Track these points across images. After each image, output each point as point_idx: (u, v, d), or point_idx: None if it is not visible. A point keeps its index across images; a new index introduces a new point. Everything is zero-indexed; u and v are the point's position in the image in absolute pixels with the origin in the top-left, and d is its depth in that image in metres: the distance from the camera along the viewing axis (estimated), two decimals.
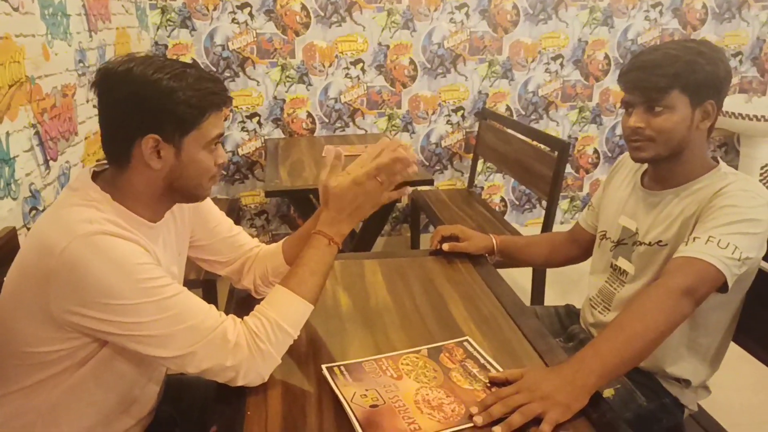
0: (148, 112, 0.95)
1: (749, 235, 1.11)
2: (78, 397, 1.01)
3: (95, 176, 1.02)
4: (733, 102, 3.37)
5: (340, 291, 1.35)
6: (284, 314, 0.99)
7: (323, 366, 1.01)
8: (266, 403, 0.96)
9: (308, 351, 1.10)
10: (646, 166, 1.35)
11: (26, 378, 0.98)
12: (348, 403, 0.92)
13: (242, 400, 0.96)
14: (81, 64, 1.93)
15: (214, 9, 2.99)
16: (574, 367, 0.97)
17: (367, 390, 0.95)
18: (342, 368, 1.01)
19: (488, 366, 1.03)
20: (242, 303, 1.27)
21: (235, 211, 2.99)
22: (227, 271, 1.28)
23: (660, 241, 1.26)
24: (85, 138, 1.94)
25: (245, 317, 0.99)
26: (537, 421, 0.89)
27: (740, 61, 3.50)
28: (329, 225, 1.07)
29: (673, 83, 1.17)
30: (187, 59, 3.02)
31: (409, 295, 1.32)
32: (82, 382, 1.00)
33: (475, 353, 1.07)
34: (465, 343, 1.10)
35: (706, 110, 1.21)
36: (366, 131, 3.30)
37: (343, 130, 3.29)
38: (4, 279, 0.99)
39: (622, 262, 1.35)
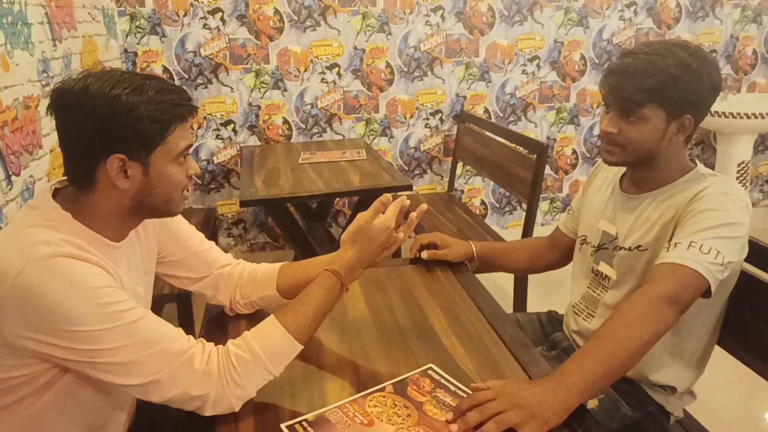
0: (110, 132, 0.90)
1: (730, 239, 1.09)
2: (40, 427, 0.96)
3: (56, 193, 0.97)
4: None
5: None
6: (272, 353, 0.94)
7: (282, 426, 0.91)
8: None
9: (283, 373, 1.05)
10: (624, 169, 1.34)
11: None
12: None
13: (212, 429, 0.91)
14: (45, 74, 1.86)
15: (185, 15, 2.93)
16: (557, 380, 0.94)
17: None
18: (305, 424, 0.91)
19: (459, 392, 0.98)
20: (215, 321, 1.23)
21: (211, 221, 2.93)
22: (198, 287, 1.23)
23: (639, 245, 1.24)
24: (51, 151, 1.88)
25: (230, 342, 0.94)
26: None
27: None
28: (350, 268, 1.05)
29: (649, 97, 1.14)
30: (157, 66, 2.97)
31: (388, 308, 1.28)
32: (44, 412, 0.95)
33: (443, 381, 1.02)
34: (429, 371, 1.04)
35: (682, 124, 1.18)
36: (344, 136, 3.26)
37: (321, 136, 3.24)
38: None
39: (604, 267, 1.33)
